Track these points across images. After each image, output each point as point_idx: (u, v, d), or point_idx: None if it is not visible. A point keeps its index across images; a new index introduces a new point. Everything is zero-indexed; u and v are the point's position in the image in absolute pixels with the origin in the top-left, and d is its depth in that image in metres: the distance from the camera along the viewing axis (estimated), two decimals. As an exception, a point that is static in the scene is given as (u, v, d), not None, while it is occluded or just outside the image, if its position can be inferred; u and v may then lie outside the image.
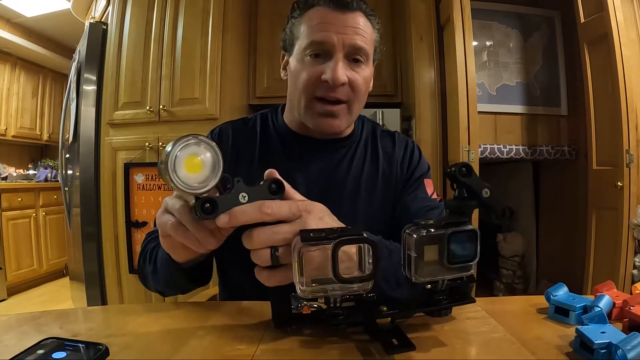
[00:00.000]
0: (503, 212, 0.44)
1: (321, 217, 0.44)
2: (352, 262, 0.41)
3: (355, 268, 0.41)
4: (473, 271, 0.42)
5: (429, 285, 0.42)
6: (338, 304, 0.41)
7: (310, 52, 0.65)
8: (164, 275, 0.58)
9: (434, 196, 0.75)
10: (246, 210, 0.40)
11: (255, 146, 0.74)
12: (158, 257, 0.59)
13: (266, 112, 0.80)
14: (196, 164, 0.36)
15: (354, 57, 0.65)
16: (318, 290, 0.39)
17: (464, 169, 0.44)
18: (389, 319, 0.44)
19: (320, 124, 0.67)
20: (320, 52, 0.64)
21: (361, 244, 0.40)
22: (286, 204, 0.42)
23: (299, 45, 0.66)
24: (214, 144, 0.38)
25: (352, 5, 0.64)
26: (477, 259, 0.41)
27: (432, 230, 0.39)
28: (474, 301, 0.45)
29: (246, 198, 0.40)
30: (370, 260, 0.39)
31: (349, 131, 0.77)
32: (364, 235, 0.39)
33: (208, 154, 0.37)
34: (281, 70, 0.74)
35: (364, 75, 0.67)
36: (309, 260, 0.38)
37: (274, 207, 0.41)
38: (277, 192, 0.42)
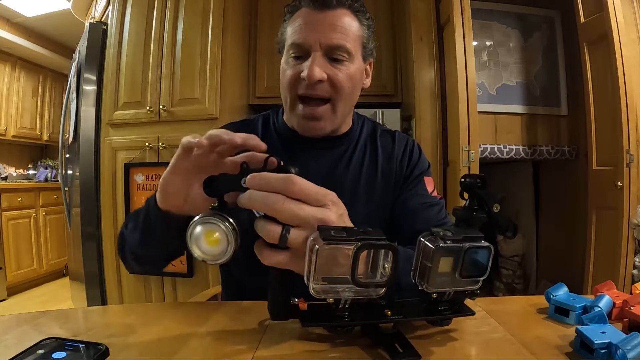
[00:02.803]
0: (507, 227, 0.44)
1: (342, 213, 0.42)
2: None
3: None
4: (478, 287, 0.42)
5: (434, 295, 0.42)
6: (347, 306, 0.41)
7: (292, 53, 0.67)
8: (145, 227, 0.56)
9: (434, 193, 0.75)
10: (272, 178, 0.38)
11: None
12: (141, 213, 0.57)
13: (268, 113, 0.82)
14: (214, 240, 0.39)
15: (333, 55, 0.65)
16: (329, 290, 0.39)
17: (479, 180, 0.44)
18: (391, 323, 0.44)
19: (304, 126, 0.69)
20: (301, 54, 0.66)
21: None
22: (314, 186, 0.40)
23: (286, 47, 0.69)
24: (222, 223, 0.39)
25: (333, 3, 0.65)
26: (486, 275, 0.41)
27: (450, 242, 0.39)
28: (474, 313, 0.45)
29: None
30: (387, 265, 0.38)
31: (346, 128, 0.77)
32: (385, 240, 0.38)
33: (217, 234, 0.39)
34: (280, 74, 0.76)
35: (348, 72, 0.66)
36: (324, 258, 0.37)
37: (302, 184, 0.38)
38: None
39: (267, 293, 0.44)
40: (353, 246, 0.36)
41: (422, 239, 0.41)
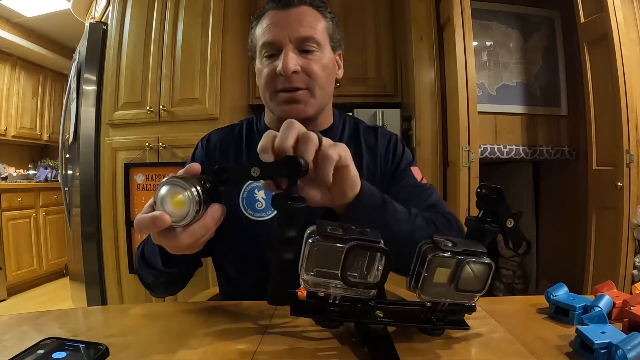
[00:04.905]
0: (520, 245, 0.43)
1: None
2: None
3: None
4: (475, 301, 0.42)
5: (429, 304, 0.42)
6: (337, 301, 0.41)
7: (265, 52, 0.70)
8: (153, 267, 0.58)
9: (423, 181, 0.76)
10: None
11: (242, 150, 0.78)
12: (147, 251, 0.60)
13: (252, 117, 0.84)
14: (177, 201, 0.40)
15: (304, 47, 0.68)
16: (320, 283, 0.39)
17: (494, 193, 0.43)
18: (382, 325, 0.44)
19: (286, 110, 0.70)
20: (273, 52, 0.69)
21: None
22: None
23: (258, 49, 0.72)
24: (189, 188, 0.40)
25: (295, 1, 0.69)
26: (484, 292, 0.40)
27: (449, 253, 0.38)
28: (468, 328, 0.44)
29: (257, 172, 0.41)
30: (380, 267, 0.38)
31: (327, 124, 0.79)
32: (380, 243, 0.38)
33: (186, 193, 0.40)
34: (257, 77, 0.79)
35: (321, 62, 0.70)
36: (318, 252, 0.38)
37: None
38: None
39: (261, 290, 0.44)
40: (345, 245, 0.36)
41: (422, 246, 0.40)
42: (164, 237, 0.42)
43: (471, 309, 0.43)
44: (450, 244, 0.39)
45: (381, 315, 0.43)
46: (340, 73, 0.78)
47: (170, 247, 0.44)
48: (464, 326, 0.44)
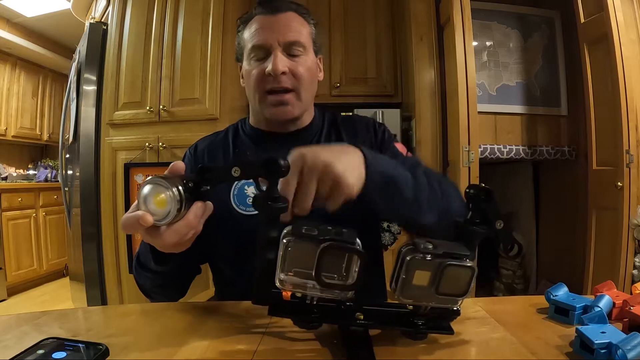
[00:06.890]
0: (512, 247, 0.42)
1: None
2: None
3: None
4: (459, 306, 0.41)
5: (410, 307, 0.42)
6: (315, 302, 0.40)
7: (254, 55, 0.74)
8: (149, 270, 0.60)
9: (409, 154, 0.79)
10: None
11: (230, 154, 0.80)
12: (141, 253, 0.62)
13: (236, 122, 0.87)
14: (159, 200, 0.41)
15: (291, 51, 0.72)
16: (298, 283, 0.39)
17: (483, 193, 0.42)
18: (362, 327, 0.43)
19: (274, 112, 0.74)
20: (263, 54, 0.73)
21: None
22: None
23: (246, 52, 0.76)
24: (170, 188, 0.41)
25: (282, 8, 0.74)
26: (466, 296, 0.40)
27: (428, 256, 0.38)
28: (452, 333, 0.43)
29: (237, 172, 0.42)
30: (357, 269, 0.38)
31: (309, 120, 0.82)
32: (355, 244, 0.38)
33: (168, 192, 0.41)
34: (240, 79, 0.82)
35: (306, 65, 0.74)
36: (294, 252, 0.38)
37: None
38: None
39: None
40: (319, 246, 0.36)
41: (402, 249, 0.40)
42: (150, 235, 0.43)
43: (455, 314, 0.42)
44: (430, 246, 0.38)
45: (361, 317, 0.42)
46: (320, 76, 0.82)
47: (158, 245, 0.46)
48: (448, 331, 0.43)
